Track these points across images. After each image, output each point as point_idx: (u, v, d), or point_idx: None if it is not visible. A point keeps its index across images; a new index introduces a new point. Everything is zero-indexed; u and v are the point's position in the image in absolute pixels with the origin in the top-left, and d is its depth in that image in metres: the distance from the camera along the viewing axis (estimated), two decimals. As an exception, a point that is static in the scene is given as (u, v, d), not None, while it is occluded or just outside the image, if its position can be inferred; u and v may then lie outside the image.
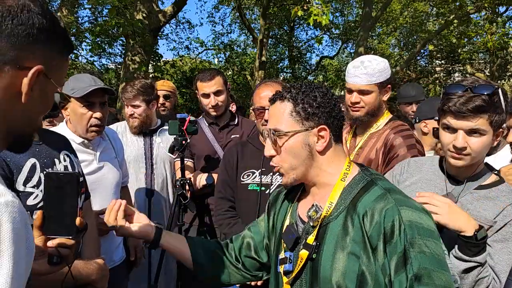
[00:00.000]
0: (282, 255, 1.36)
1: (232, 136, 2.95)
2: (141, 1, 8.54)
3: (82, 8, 12.66)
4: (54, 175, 1.13)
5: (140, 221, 1.48)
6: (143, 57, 8.67)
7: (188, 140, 2.70)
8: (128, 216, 1.47)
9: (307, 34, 30.07)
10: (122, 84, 8.30)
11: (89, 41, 10.02)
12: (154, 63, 11.54)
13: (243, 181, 2.43)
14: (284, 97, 1.29)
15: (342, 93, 2.65)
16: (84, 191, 2.03)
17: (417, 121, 2.95)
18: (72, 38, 9.82)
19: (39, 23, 0.83)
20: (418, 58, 18.80)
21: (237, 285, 1.86)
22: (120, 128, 3.06)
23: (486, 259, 1.43)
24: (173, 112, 3.92)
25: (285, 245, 1.35)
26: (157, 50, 11.41)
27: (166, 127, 2.93)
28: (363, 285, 1.16)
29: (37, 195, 1.64)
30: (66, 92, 2.21)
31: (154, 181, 3.00)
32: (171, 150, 2.74)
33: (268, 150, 1.33)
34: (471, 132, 1.45)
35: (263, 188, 2.33)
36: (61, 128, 2.31)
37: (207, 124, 3.00)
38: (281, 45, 21.90)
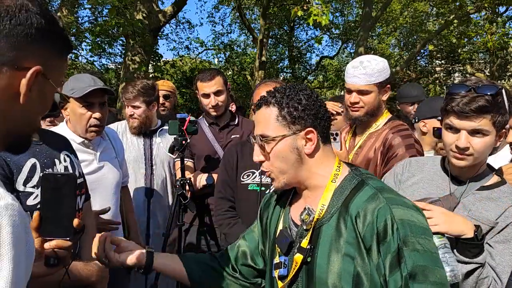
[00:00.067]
0: (276, 260, 1.35)
1: (232, 136, 2.95)
2: (141, 1, 8.54)
3: (82, 8, 12.66)
4: (51, 176, 1.13)
5: (129, 248, 1.43)
6: (143, 57, 8.66)
7: (188, 140, 2.70)
8: (116, 246, 1.43)
9: (307, 34, 30.07)
10: (122, 84, 8.31)
11: (89, 41, 10.02)
12: (154, 63, 11.54)
13: (243, 181, 2.43)
14: (269, 102, 1.28)
15: (342, 93, 2.65)
16: (84, 192, 2.02)
17: (416, 120, 2.95)
18: (72, 38, 9.83)
19: (38, 23, 0.82)
20: (418, 58, 18.80)
21: None
22: (121, 128, 3.05)
23: (487, 260, 1.43)
24: (173, 112, 3.92)
25: (279, 250, 1.35)
26: (157, 50, 11.41)
27: (166, 127, 2.93)
28: (359, 286, 1.15)
29: (37, 195, 1.64)
30: (65, 92, 2.21)
31: (153, 181, 3.00)
32: (171, 150, 2.74)
33: (257, 156, 1.33)
34: (474, 132, 1.44)
35: (263, 188, 2.33)
36: (61, 128, 2.31)
37: (207, 124, 2.99)
38: (281, 45, 21.90)
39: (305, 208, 1.28)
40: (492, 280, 1.42)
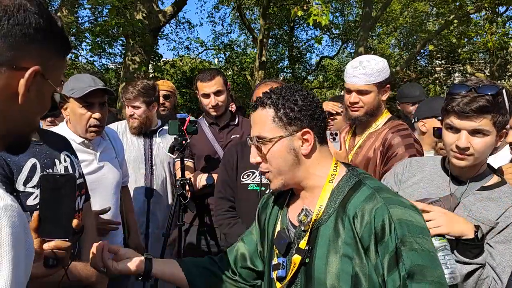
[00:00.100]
0: (275, 261, 1.35)
1: (232, 136, 2.95)
2: (141, 1, 8.54)
3: (82, 8, 12.67)
4: (50, 176, 1.12)
5: (127, 256, 1.42)
6: (143, 57, 8.67)
7: (188, 140, 2.70)
8: (114, 254, 1.42)
9: (307, 34, 30.09)
10: (122, 84, 8.31)
11: (89, 41, 10.03)
12: (154, 63, 11.54)
13: (243, 181, 2.43)
14: (265, 104, 1.28)
15: (342, 93, 2.65)
16: (84, 192, 2.02)
17: (416, 120, 2.95)
18: (72, 38, 9.84)
19: (36, 22, 0.81)
20: (418, 58, 18.80)
21: None
22: (121, 128, 3.05)
23: (487, 260, 1.43)
24: (173, 112, 3.92)
25: (277, 251, 1.35)
26: (157, 50, 11.41)
27: (166, 127, 2.93)
28: (357, 286, 1.15)
29: (37, 195, 1.64)
30: (65, 92, 2.21)
31: (153, 182, 2.99)
32: (171, 150, 2.74)
33: (254, 157, 1.32)
34: (474, 132, 1.44)
35: (263, 188, 2.33)
36: (61, 128, 2.31)
37: (207, 124, 2.99)
38: (281, 45, 21.91)
39: (302, 209, 1.28)
40: (492, 280, 1.42)
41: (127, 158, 2.82)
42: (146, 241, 2.94)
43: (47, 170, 1.70)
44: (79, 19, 12.41)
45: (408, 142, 2.11)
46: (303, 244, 1.26)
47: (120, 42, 12.36)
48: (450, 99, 1.47)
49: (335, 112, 3.37)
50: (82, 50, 13.43)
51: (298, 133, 1.26)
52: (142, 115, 2.93)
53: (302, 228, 1.28)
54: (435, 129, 2.55)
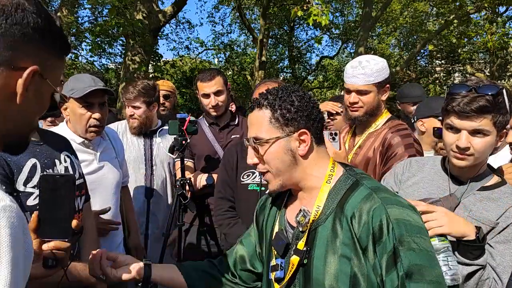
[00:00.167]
0: (273, 262, 1.35)
1: (233, 136, 2.95)
2: (141, 1, 8.54)
3: (82, 8, 12.68)
4: (49, 177, 1.12)
5: (126, 263, 1.42)
6: (143, 57, 8.67)
7: (188, 140, 2.70)
8: (113, 262, 1.42)
9: (307, 34, 30.09)
10: (122, 84, 8.31)
11: (89, 41, 10.04)
12: (154, 63, 11.54)
13: (243, 181, 2.43)
14: (261, 105, 1.28)
15: (342, 93, 2.65)
16: (84, 193, 2.01)
17: (415, 120, 2.96)
18: (72, 38, 9.84)
19: (34, 22, 0.81)
20: (418, 58, 18.82)
21: None
22: (121, 128, 3.05)
23: (488, 261, 1.43)
24: (173, 112, 3.91)
25: (275, 252, 1.35)
26: (157, 50, 11.41)
27: (166, 127, 2.92)
28: (356, 287, 1.15)
29: (37, 196, 1.64)
30: (65, 92, 2.20)
31: (153, 182, 2.99)
32: (171, 150, 2.74)
33: (251, 159, 1.32)
34: (474, 132, 1.44)
35: (263, 188, 2.33)
36: (61, 128, 2.31)
37: (207, 124, 2.99)
38: (281, 45, 21.92)
39: (300, 210, 1.28)
40: (493, 281, 1.42)
41: (127, 158, 2.82)
42: (146, 242, 2.94)
43: (47, 170, 1.70)
44: (79, 19, 12.43)
45: (407, 142, 2.11)
46: (301, 245, 1.26)
47: (120, 42, 12.36)
48: (450, 99, 1.47)
49: (335, 112, 3.37)
50: (82, 50, 13.46)
51: (295, 134, 1.25)
52: (142, 115, 2.92)
53: (300, 229, 1.28)
54: (435, 129, 2.55)
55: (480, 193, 1.52)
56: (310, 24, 6.88)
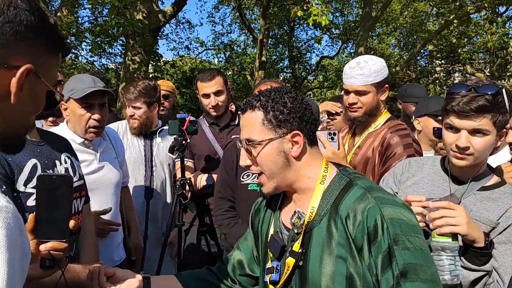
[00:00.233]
0: (269, 264, 1.34)
1: (233, 137, 2.94)
2: (141, 1, 8.55)
3: (82, 8, 12.69)
4: (46, 177, 1.11)
5: (125, 278, 1.40)
6: (143, 57, 8.67)
7: (188, 140, 2.70)
8: (111, 277, 1.40)
9: (307, 34, 30.13)
10: (122, 84, 8.32)
11: (89, 41, 10.03)
12: (154, 63, 11.55)
13: (243, 181, 2.43)
14: (254, 106, 1.27)
15: (342, 93, 2.66)
16: (84, 194, 2.00)
17: (413, 119, 2.97)
18: (72, 38, 9.84)
19: (27, 20, 0.79)
20: (418, 58, 18.83)
21: None
22: (121, 128, 3.04)
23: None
24: (172, 112, 3.91)
25: (271, 255, 1.34)
26: (157, 50, 11.42)
27: (166, 127, 2.92)
28: (352, 287, 1.15)
29: (37, 196, 1.64)
30: (66, 93, 2.21)
31: (153, 183, 2.98)
32: (171, 150, 2.74)
33: (244, 160, 1.32)
34: (474, 132, 1.44)
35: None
36: (62, 128, 2.31)
37: (207, 124, 2.99)
38: (281, 45, 21.92)
39: (295, 212, 1.28)
40: (497, 283, 1.42)
41: (127, 159, 2.81)
42: (145, 242, 2.94)
43: (48, 171, 1.70)
44: (79, 19, 12.44)
45: (406, 142, 2.11)
46: (296, 246, 1.26)
47: (120, 42, 12.35)
48: (449, 98, 1.47)
49: (334, 112, 3.37)
50: (82, 50, 13.44)
51: (287, 136, 1.25)
52: (142, 115, 2.91)
53: (295, 231, 1.27)
54: (435, 129, 2.56)
55: (480, 193, 1.52)
56: (310, 24, 6.88)
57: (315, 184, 1.28)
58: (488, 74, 18.10)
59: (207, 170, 2.90)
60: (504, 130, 1.48)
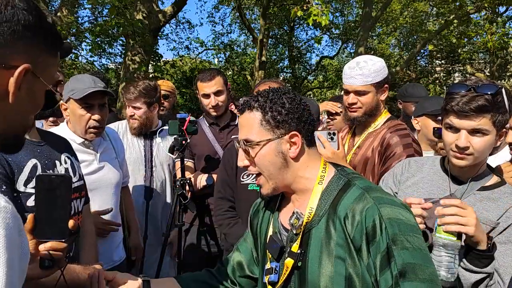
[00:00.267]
0: (268, 265, 1.34)
1: (233, 137, 2.94)
2: (141, 1, 8.55)
3: (82, 8, 12.69)
4: (45, 177, 1.11)
5: (124, 281, 1.40)
6: (143, 57, 8.67)
7: (188, 140, 2.70)
8: (111, 281, 1.40)
9: (307, 34, 30.15)
10: (122, 84, 8.32)
11: (89, 41, 10.03)
12: (154, 63, 11.55)
13: (243, 181, 2.43)
14: (252, 107, 1.27)
15: (342, 93, 2.66)
16: (84, 195, 2.00)
17: (412, 119, 2.98)
18: (72, 38, 9.84)
19: (25, 19, 0.79)
20: (418, 58, 18.83)
21: None
22: (121, 128, 3.04)
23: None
24: (172, 112, 3.91)
25: (270, 256, 1.34)
26: (157, 50, 11.42)
27: (166, 128, 2.92)
28: None
29: (37, 196, 1.64)
30: (66, 93, 2.21)
31: (153, 183, 2.98)
32: (171, 150, 2.74)
33: (241, 161, 1.32)
34: (473, 131, 1.44)
35: (263, 188, 2.33)
36: (62, 128, 2.31)
37: (207, 125, 2.99)
38: (281, 45, 21.93)
39: (293, 212, 1.28)
40: (497, 284, 1.42)
41: (127, 159, 2.81)
42: (145, 242, 2.94)
43: (48, 171, 1.69)
44: (79, 19, 12.43)
45: (406, 142, 2.11)
46: (295, 247, 1.25)
47: (120, 42, 12.37)
48: (449, 98, 1.47)
49: (334, 112, 3.37)
50: (82, 50, 13.46)
51: (285, 136, 1.25)
52: (142, 116, 2.91)
53: (294, 232, 1.27)
54: (436, 129, 2.56)
55: (480, 193, 1.52)
56: (310, 24, 6.88)
57: (313, 185, 1.28)
58: (488, 74, 18.10)
59: (207, 170, 2.90)
60: (504, 130, 1.48)
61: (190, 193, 2.73)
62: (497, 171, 1.67)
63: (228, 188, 2.48)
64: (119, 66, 15.13)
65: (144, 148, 3.00)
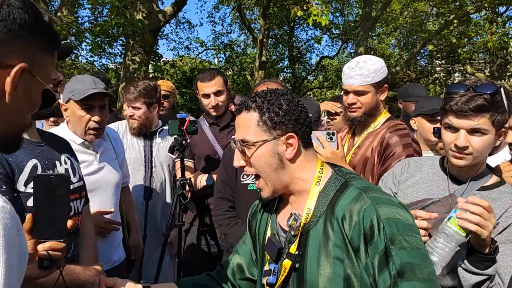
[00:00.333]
0: (266, 267, 1.34)
1: (233, 137, 2.94)
2: (141, 1, 8.55)
3: (82, 8, 12.70)
4: (44, 177, 1.10)
5: (125, 287, 1.40)
6: (143, 57, 8.68)
7: (188, 140, 2.70)
8: (112, 287, 1.40)
9: (307, 34, 30.15)
10: (122, 84, 8.32)
11: (89, 41, 10.04)
12: (154, 63, 11.55)
13: (243, 181, 2.43)
14: (249, 107, 1.27)
15: (342, 93, 2.67)
16: (84, 195, 1.99)
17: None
18: (72, 38, 9.84)
19: (21, 18, 0.78)
20: (418, 58, 18.83)
21: None
22: (121, 128, 3.03)
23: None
24: (172, 112, 3.91)
25: (268, 257, 1.34)
26: (157, 50, 11.43)
27: (166, 128, 2.92)
28: None
29: (37, 196, 1.63)
30: (66, 94, 2.20)
31: (152, 183, 2.98)
32: (171, 150, 2.74)
33: (237, 161, 1.32)
34: (472, 131, 1.44)
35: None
36: (62, 128, 2.31)
37: (207, 125, 2.99)
38: (281, 45, 21.93)
39: (291, 214, 1.28)
40: (497, 285, 1.42)
41: (127, 159, 2.81)
42: (144, 242, 2.94)
43: (48, 171, 1.69)
44: (79, 19, 12.43)
45: (405, 142, 2.11)
46: (293, 248, 1.25)
47: (120, 42, 12.37)
48: (448, 98, 1.47)
49: (334, 112, 3.37)
50: (82, 50, 13.46)
51: (282, 137, 1.25)
52: (142, 116, 2.91)
53: (292, 233, 1.27)
54: (435, 129, 2.56)
55: (480, 193, 1.52)
56: (310, 24, 6.88)
57: (311, 186, 1.28)
58: (488, 74, 18.10)
59: (207, 170, 2.90)
60: (503, 129, 1.48)
61: (190, 193, 2.73)
62: (497, 171, 1.67)
63: (228, 188, 2.48)
64: (119, 66, 15.13)
65: (144, 148, 3.00)
